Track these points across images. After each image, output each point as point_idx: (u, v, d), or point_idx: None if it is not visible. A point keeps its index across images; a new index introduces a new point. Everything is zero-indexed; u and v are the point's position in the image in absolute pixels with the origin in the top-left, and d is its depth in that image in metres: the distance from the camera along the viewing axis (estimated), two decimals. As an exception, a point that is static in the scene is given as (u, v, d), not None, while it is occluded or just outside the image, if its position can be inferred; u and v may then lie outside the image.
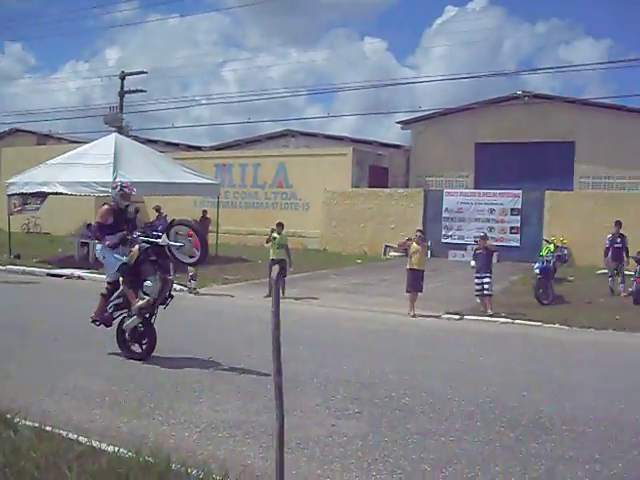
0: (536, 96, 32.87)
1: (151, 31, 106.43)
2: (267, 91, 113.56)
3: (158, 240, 9.97)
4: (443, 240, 28.86)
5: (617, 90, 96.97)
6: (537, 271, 17.57)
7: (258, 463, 6.14)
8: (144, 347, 10.17)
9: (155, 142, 39.90)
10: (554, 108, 32.24)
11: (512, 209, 28.26)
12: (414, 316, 15.23)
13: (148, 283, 9.95)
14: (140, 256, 9.98)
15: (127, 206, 10.75)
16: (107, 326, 10.62)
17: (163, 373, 9.45)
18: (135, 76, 39.33)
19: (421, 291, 15.74)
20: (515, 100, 32.79)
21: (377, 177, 34.14)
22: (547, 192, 27.76)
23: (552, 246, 21.31)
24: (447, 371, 10.08)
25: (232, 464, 5.96)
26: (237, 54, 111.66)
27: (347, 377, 9.39)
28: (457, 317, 15.46)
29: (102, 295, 10.63)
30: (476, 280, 16.16)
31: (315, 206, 32.07)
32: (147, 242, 10.01)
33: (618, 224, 19.44)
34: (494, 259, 17.29)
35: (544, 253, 19.58)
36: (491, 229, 27.11)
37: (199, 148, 43.02)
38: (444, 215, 29.31)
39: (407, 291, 15.76)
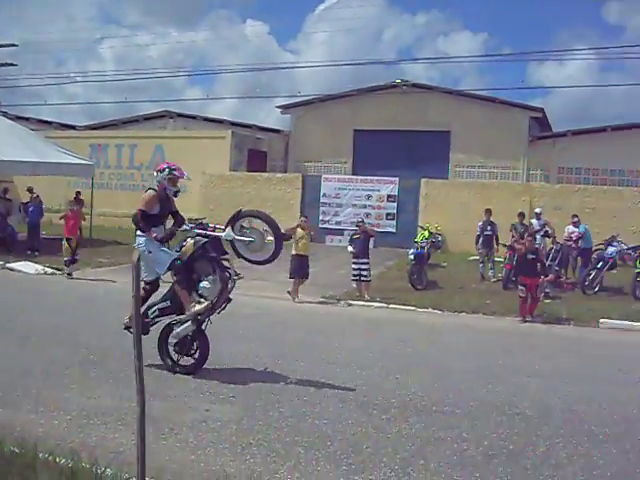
0: (414, 85, 33.37)
1: (23, 1, 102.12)
2: (145, 70, 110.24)
3: (220, 234, 8.76)
4: (321, 225, 28.92)
5: (491, 82, 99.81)
6: (411, 257, 17.93)
7: (131, 450, 5.99)
8: (194, 358, 8.88)
9: (27, 119, 38.23)
10: (431, 98, 32.85)
11: (389, 196, 28.66)
12: (301, 302, 15.32)
13: (205, 284, 8.71)
14: (195, 252, 8.72)
15: (176, 193, 9.16)
16: (144, 333, 8.94)
17: (32, 360, 9.14)
18: (5, 48, 37.64)
19: (307, 277, 15.84)
20: (394, 89, 33.19)
21: (256, 161, 33.99)
22: (423, 180, 28.26)
23: (427, 233, 21.83)
24: (322, 355, 10.17)
25: (103, 451, 5.87)
26: (116, 31, 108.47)
27: (222, 362, 9.32)
28: (333, 302, 15.62)
29: None
30: (353, 265, 16.36)
31: (192, 189, 31.46)
32: (204, 236, 8.79)
33: (488, 212, 20.06)
34: (370, 245, 17.53)
35: (419, 239, 20.02)
36: (368, 215, 27.34)
37: (73, 127, 41.55)
38: (322, 200, 29.42)
39: (291, 277, 15.78)
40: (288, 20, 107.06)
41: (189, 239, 8.83)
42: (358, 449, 6.34)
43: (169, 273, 8.89)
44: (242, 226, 8.87)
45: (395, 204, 28.48)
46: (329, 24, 78.21)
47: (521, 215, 19.82)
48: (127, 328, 8.92)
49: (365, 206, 28.68)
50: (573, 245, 19.41)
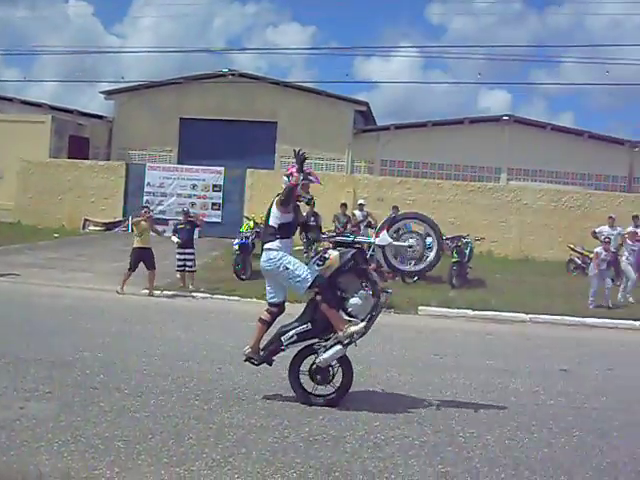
0: (242, 75, 33.41)
1: None
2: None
3: (373, 240, 7.79)
4: (145, 215, 28.51)
5: (319, 75, 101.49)
6: (236, 247, 17.94)
7: None
8: (336, 387, 7.70)
9: None
10: (259, 88, 32.98)
11: (214, 185, 28.62)
12: (124, 294, 15.03)
13: (357, 300, 7.58)
14: (344, 265, 7.65)
15: (309, 201, 8.23)
16: (269, 364, 8.00)
17: None
18: None
19: (155, 267, 15.50)
20: (222, 77, 33.10)
21: (78, 148, 32.93)
22: (248, 170, 28.44)
23: (252, 223, 21.88)
24: (144, 347, 9.98)
25: None
26: None
27: (39, 356, 8.98)
28: (157, 292, 15.39)
29: (262, 322, 7.99)
30: (178, 256, 16.19)
31: (9, 176, 30.20)
32: (348, 244, 7.81)
33: (312, 203, 20.31)
34: (195, 235, 17.42)
35: (244, 229, 20.06)
36: (193, 205, 27.26)
37: None
38: (146, 190, 28.97)
39: (131, 269, 15.37)
40: (113, 2, 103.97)
41: (330, 250, 7.82)
42: (180, 441, 6.27)
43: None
44: (397, 230, 7.98)
45: (221, 194, 28.53)
46: (156, 9, 76.77)
47: (343, 206, 20.27)
48: (249, 359, 7.98)
49: (190, 196, 28.54)
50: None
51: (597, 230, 19.01)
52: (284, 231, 7.87)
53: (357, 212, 20.52)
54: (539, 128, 31.63)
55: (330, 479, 5.63)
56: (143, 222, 15.70)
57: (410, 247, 7.86)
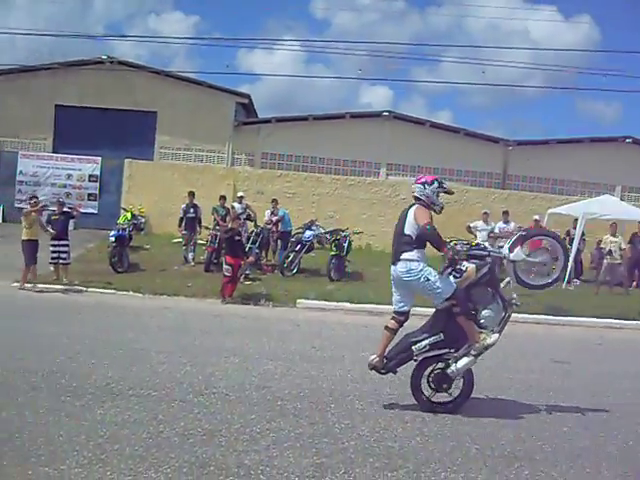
0: (121, 63, 32.61)
1: None
2: None
3: (507, 255, 7.85)
4: (17, 205, 27.39)
5: (200, 66, 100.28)
6: (112, 239, 17.60)
7: None
8: (456, 395, 7.74)
9: None
10: (138, 77, 32.23)
11: (90, 175, 27.93)
12: (23, 289, 14.56)
13: (489, 312, 7.71)
14: (481, 278, 7.72)
15: (441, 209, 7.97)
16: (394, 373, 7.93)
17: None
18: None
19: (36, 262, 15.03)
20: (100, 64, 32.20)
21: (-57, 134, 31.45)
22: (127, 160, 27.87)
23: (129, 214, 21.57)
24: (13, 342, 9.66)
25: None
26: None
27: None
28: (28, 286, 14.90)
29: (389, 330, 7.92)
30: (52, 248, 15.74)
31: None
32: (481, 257, 7.76)
33: (191, 195, 20.11)
34: (70, 226, 16.97)
35: (121, 221, 19.70)
36: (68, 195, 26.52)
37: None
38: (18, 179, 27.96)
39: (28, 264, 14.85)
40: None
41: (465, 263, 7.73)
42: (49, 439, 6.07)
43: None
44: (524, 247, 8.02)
45: (97, 184, 27.87)
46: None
47: (222, 198, 20.15)
48: (374, 368, 7.82)
49: (65, 185, 27.74)
50: (273, 228, 20.10)
51: (472, 225, 19.52)
52: (420, 241, 7.71)
53: (236, 204, 20.40)
54: (418, 125, 32.25)
55: (205, 473, 5.58)
56: (33, 213, 15.27)
57: (544, 264, 8.10)
